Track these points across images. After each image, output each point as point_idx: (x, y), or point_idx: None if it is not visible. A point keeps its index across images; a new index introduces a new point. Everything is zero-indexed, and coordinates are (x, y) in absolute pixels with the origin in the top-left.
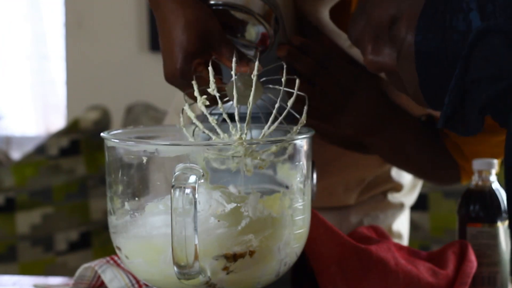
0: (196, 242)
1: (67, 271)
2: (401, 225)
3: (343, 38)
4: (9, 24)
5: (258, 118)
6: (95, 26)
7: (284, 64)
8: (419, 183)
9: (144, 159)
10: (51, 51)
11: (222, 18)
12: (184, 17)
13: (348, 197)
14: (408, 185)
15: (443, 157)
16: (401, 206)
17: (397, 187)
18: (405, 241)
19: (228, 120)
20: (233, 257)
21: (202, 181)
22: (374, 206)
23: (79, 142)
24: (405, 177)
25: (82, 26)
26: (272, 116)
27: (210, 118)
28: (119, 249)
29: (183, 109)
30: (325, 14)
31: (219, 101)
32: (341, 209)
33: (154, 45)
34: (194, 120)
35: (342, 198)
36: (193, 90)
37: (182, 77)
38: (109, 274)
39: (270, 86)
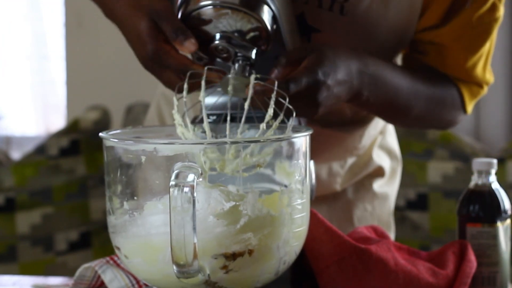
0: (195, 241)
1: (67, 271)
2: (387, 217)
3: None
4: (9, 24)
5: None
6: (95, 26)
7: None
8: (399, 168)
9: (143, 158)
10: (51, 51)
11: (219, 19)
12: (131, 6)
13: (333, 182)
14: (389, 169)
15: (433, 77)
16: (386, 196)
17: (379, 171)
18: (392, 233)
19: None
20: (232, 256)
21: (200, 179)
22: (361, 197)
23: (79, 142)
24: (385, 160)
25: (82, 26)
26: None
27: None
28: (118, 249)
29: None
30: None
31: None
32: (329, 199)
33: None
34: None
35: (327, 183)
36: (184, 83)
37: (154, 62)
38: (109, 275)
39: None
